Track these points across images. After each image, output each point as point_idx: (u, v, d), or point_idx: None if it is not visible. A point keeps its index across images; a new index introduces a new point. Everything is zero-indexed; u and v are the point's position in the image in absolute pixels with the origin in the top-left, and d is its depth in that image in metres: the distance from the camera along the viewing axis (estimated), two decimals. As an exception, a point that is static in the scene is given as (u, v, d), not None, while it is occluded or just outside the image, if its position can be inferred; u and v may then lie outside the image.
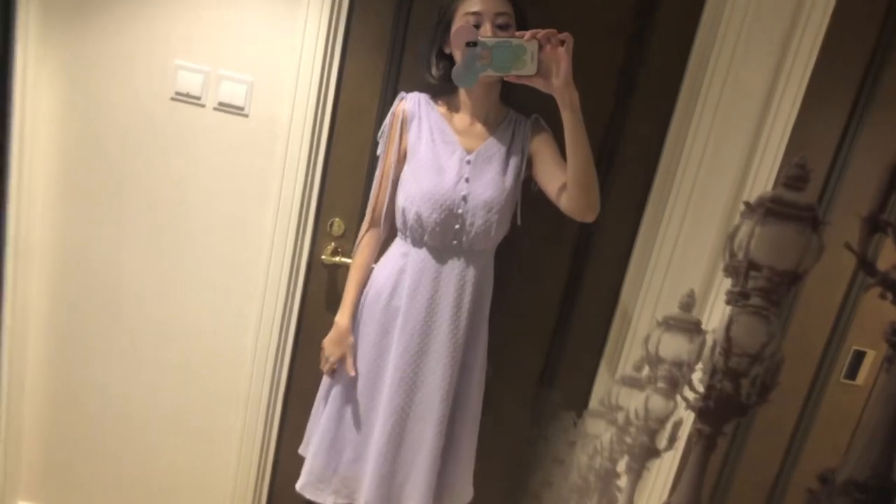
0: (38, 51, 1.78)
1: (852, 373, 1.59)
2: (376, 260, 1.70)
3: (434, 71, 1.60)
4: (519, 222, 1.63)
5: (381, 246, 1.71)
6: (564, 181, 1.51)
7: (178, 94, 1.81)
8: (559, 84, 1.33)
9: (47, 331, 1.97)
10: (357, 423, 1.66)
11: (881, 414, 1.57)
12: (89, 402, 2.03)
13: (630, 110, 1.77)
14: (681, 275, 1.69)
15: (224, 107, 1.82)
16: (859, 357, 1.57)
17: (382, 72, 1.79)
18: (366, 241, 1.68)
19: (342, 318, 1.64)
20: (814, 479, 1.69)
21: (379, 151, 1.67)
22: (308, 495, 1.71)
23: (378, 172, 1.66)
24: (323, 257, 1.87)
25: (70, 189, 1.88)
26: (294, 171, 1.83)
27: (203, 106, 1.82)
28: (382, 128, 1.65)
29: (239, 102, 1.81)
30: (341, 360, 1.65)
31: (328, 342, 1.66)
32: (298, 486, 1.71)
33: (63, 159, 1.86)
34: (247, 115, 1.83)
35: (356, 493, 1.68)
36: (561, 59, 1.32)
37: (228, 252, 1.90)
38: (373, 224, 1.68)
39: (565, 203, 1.51)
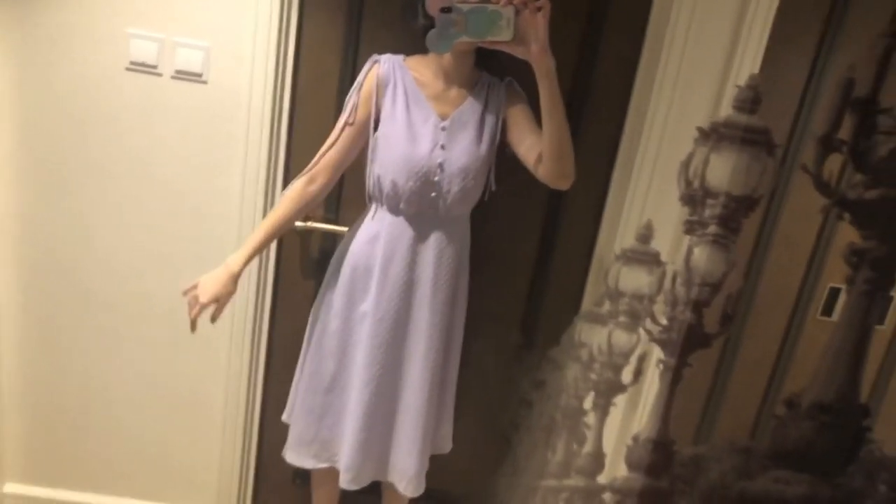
0: None
1: (828, 309, 1.58)
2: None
3: (421, 19, 1.56)
4: (493, 187, 1.61)
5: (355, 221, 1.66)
6: (538, 148, 1.49)
7: (133, 63, 1.76)
8: (536, 50, 1.30)
9: (19, 316, 1.93)
10: (333, 387, 1.67)
11: (845, 336, 1.57)
12: (69, 383, 1.98)
13: (597, 54, 1.73)
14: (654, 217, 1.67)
15: (182, 74, 1.77)
16: (835, 294, 1.57)
17: (342, 33, 1.74)
18: (296, 191, 1.56)
19: (236, 262, 1.52)
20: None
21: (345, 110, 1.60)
22: (289, 460, 1.72)
23: (337, 127, 1.59)
24: (295, 224, 1.86)
25: (29, 170, 1.80)
26: (258, 137, 1.79)
27: (160, 75, 1.78)
28: (353, 89, 1.60)
29: (196, 69, 1.76)
30: (212, 305, 1.52)
31: (208, 279, 1.51)
32: (283, 452, 1.73)
33: (18, 140, 1.80)
34: (205, 82, 1.78)
35: (336, 457, 1.69)
36: (538, 25, 1.28)
37: (197, 223, 1.87)
38: (311, 177, 1.57)
39: (540, 170, 1.48)
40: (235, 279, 1.53)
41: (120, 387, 2.01)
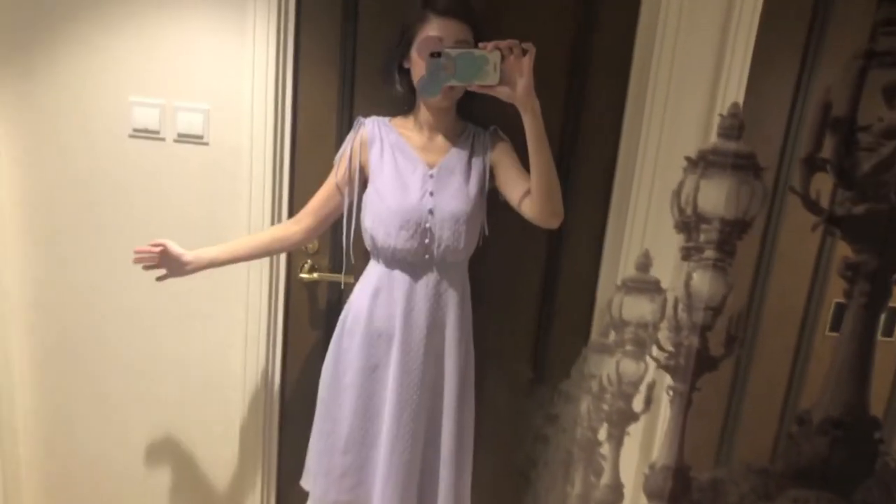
0: None
1: (836, 325, 1.60)
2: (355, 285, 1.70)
3: (398, 87, 1.62)
4: (486, 232, 1.65)
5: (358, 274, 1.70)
6: (527, 189, 1.53)
7: (136, 130, 1.82)
8: (521, 93, 1.34)
9: (34, 381, 1.96)
10: (350, 448, 1.67)
11: (848, 349, 1.58)
12: (84, 446, 2.01)
13: (584, 92, 1.78)
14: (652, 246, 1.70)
15: (183, 137, 1.83)
16: (841, 310, 1.58)
17: (337, 88, 1.81)
18: (281, 225, 1.69)
19: (200, 259, 1.58)
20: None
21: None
22: None
23: (327, 181, 1.68)
24: (301, 275, 1.88)
25: (37, 236, 1.86)
26: (261, 193, 1.84)
27: (163, 139, 1.84)
28: (340, 151, 1.67)
29: (197, 131, 1.82)
30: (161, 253, 1.54)
31: (173, 251, 1.56)
32: None
33: (29, 210, 1.85)
34: (207, 143, 1.84)
35: None
36: (523, 69, 1.32)
37: (206, 282, 1.92)
38: (297, 219, 1.66)
39: (529, 211, 1.52)
40: (191, 269, 1.58)
41: (131, 447, 2.01)
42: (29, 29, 1.77)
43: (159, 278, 1.57)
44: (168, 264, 1.56)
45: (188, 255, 1.56)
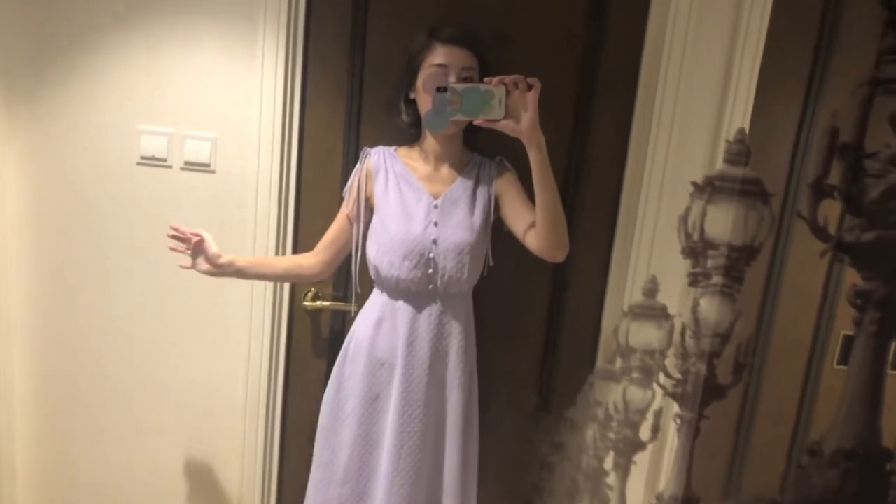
0: (2, 131, 1.78)
1: (844, 358, 1.58)
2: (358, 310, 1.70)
3: (404, 116, 1.64)
4: (491, 263, 1.64)
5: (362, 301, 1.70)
6: (532, 222, 1.53)
7: (143, 158, 1.83)
8: (526, 127, 1.34)
9: (34, 409, 1.95)
10: (348, 479, 1.65)
11: (858, 379, 1.56)
12: (83, 474, 1.98)
13: (591, 117, 1.78)
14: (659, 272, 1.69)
15: (190, 165, 1.84)
16: (849, 342, 1.56)
17: (344, 117, 1.81)
18: (301, 255, 1.70)
19: (232, 262, 1.58)
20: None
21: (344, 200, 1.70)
22: None
23: (339, 213, 1.70)
24: (305, 303, 1.87)
25: (43, 260, 1.85)
26: (266, 221, 1.85)
27: (170, 167, 1.85)
28: (349, 183, 1.69)
29: (204, 159, 1.83)
30: (196, 243, 1.54)
31: (212, 246, 1.55)
32: None
33: (35, 235, 1.86)
34: (213, 171, 1.85)
35: None
36: (528, 104, 1.33)
37: (209, 309, 1.91)
38: (315, 252, 1.69)
39: (534, 243, 1.52)
40: (219, 272, 1.56)
41: (134, 482, 1.99)
42: (41, 56, 1.79)
43: (183, 266, 1.56)
44: (197, 257, 1.55)
45: (224, 256, 1.56)
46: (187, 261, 1.56)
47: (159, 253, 1.86)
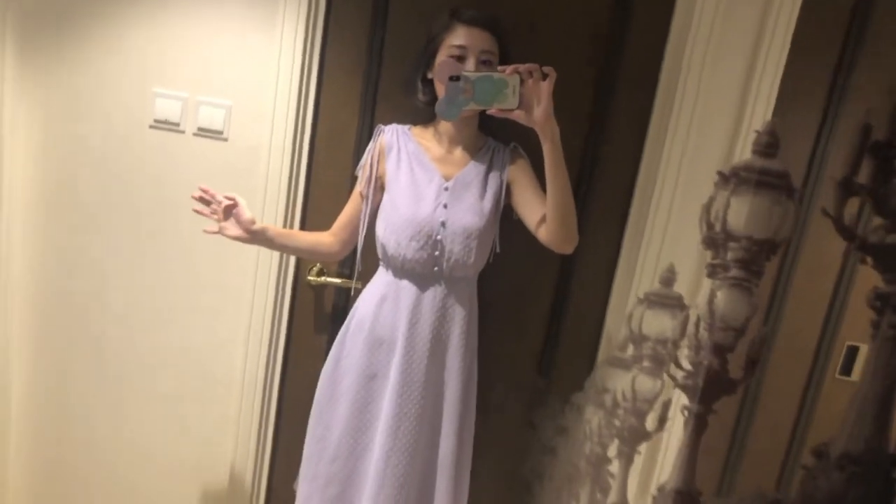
0: (15, 88, 1.78)
1: (847, 369, 1.55)
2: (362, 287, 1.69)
3: (420, 96, 1.62)
4: (498, 249, 1.63)
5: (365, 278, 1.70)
6: (542, 212, 1.51)
7: (156, 121, 1.82)
8: (540, 118, 1.33)
9: (32, 366, 1.97)
10: (338, 456, 1.64)
11: (871, 383, 1.53)
12: (76, 435, 2.02)
13: (608, 113, 1.76)
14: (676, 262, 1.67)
15: (203, 132, 1.83)
16: (853, 353, 1.54)
17: (360, 93, 1.80)
18: (321, 232, 1.70)
19: (263, 227, 1.58)
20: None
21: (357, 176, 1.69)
22: None
23: (353, 192, 1.69)
24: (309, 278, 1.86)
25: (50, 221, 1.88)
26: (276, 193, 1.84)
27: (182, 132, 1.83)
28: (362, 161, 1.67)
29: (218, 127, 1.82)
30: (227, 207, 1.54)
31: (245, 211, 1.55)
32: None
33: (44, 192, 1.87)
34: (226, 139, 1.84)
35: None
36: (542, 93, 1.32)
37: (213, 278, 1.91)
38: (332, 231, 1.69)
39: (544, 234, 1.51)
40: (250, 238, 1.56)
41: (127, 444, 2.00)
42: (60, 16, 1.78)
43: (208, 231, 1.55)
44: (226, 221, 1.54)
45: (258, 224, 1.55)
46: (213, 226, 1.55)
47: (165, 217, 1.85)
